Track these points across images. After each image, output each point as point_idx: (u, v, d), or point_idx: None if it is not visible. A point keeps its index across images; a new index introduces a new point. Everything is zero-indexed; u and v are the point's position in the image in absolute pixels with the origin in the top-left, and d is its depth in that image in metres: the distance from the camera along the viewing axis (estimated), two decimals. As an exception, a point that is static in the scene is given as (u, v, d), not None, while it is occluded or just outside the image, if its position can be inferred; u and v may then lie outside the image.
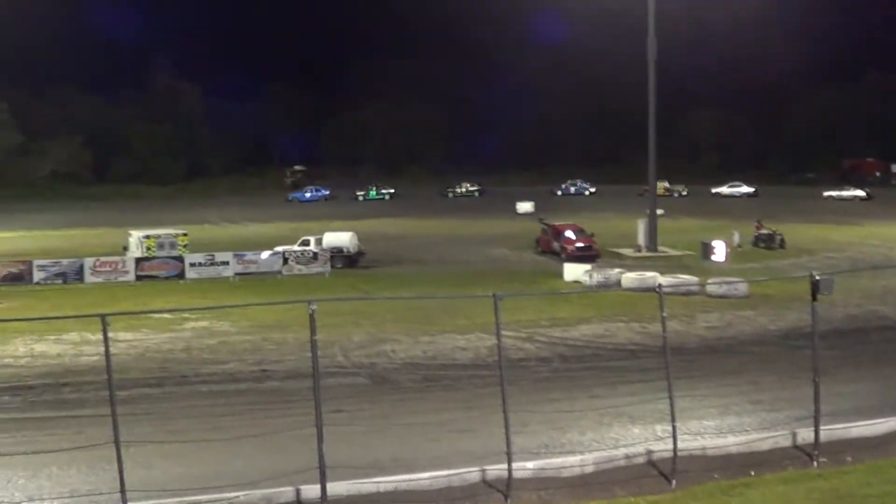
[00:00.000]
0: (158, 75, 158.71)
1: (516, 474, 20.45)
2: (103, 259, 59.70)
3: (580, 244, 65.92)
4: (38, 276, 57.84)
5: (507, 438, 20.09)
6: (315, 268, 60.45)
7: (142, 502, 18.86)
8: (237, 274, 59.15)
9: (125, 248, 63.93)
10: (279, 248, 62.39)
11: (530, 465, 21.46)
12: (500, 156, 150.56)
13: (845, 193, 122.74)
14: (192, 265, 59.34)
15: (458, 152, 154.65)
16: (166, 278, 58.55)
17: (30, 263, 58.74)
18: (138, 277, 58.45)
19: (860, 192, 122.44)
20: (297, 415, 25.74)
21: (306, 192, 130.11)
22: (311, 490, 19.60)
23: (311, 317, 19.08)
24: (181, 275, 58.81)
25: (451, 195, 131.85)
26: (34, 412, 29.06)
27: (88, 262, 58.84)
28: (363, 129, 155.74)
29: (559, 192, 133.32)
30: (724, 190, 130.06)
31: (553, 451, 23.22)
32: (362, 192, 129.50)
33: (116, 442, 18.43)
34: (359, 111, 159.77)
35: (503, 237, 79.58)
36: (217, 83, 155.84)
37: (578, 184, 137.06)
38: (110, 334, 19.01)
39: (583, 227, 69.82)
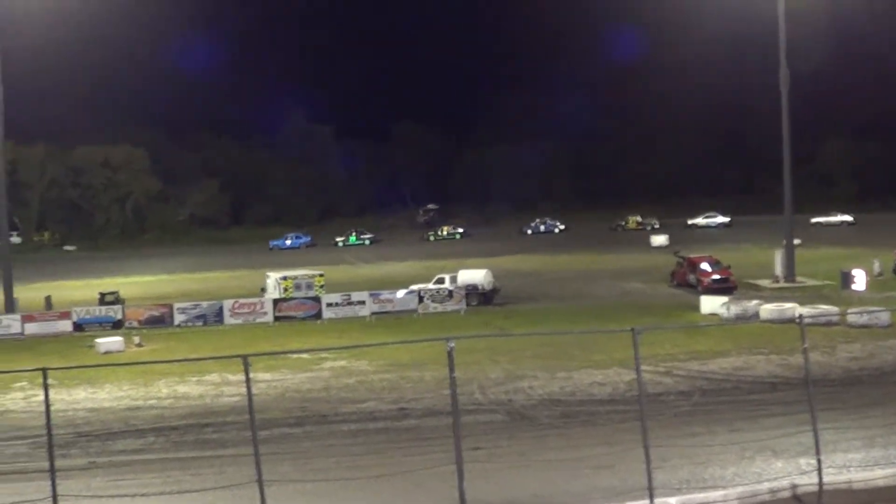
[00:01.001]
0: (292, 118, 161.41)
1: (659, 510, 20.11)
2: (242, 301, 60.73)
3: (716, 276, 64.89)
4: (178, 318, 59.09)
5: (649, 473, 19.77)
6: (450, 305, 60.58)
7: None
8: (373, 313, 59.54)
9: (263, 290, 64.96)
10: (414, 287, 62.67)
11: (673, 500, 21.06)
12: (631, 189, 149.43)
13: None
14: (329, 305, 59.95)
15: (588, 187, 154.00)
16: (303, 319, 59.24)
17: (170, 306, 60.09)
18: (276, 318, 59.27)
19: None
20: (436, 452, 25.76)
21: (286, 239, 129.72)
22: (453, 528, 19.54)
23: (450, 354, 19.02)
24: (318, 315, 59.44)
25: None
26: (178, 452, 29.56)
27: (227, 303, 59.94)
28: (493, 166, 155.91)
29: (529, 231, 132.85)
30: (700, 221, 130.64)
31: (695, 487, 22.78)
32: (342, 238, 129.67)
33: (259, 481, 18.60)
34: (489, 148, 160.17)
35: (637, 271, 78.77)
36: (349, 124, 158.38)
37: (548, 221, 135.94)
38: (253, 375, 19.24)
39: (718, 258, 68.71)
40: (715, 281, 64.17)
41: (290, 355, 43.82)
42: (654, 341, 41.89)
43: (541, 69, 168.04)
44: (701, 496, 21.58)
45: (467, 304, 61.04)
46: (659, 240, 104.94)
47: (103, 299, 63.68)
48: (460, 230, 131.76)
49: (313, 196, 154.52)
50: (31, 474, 27.13)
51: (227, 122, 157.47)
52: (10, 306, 63.08)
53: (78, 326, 58.49)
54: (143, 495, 23.76)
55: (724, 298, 55.90)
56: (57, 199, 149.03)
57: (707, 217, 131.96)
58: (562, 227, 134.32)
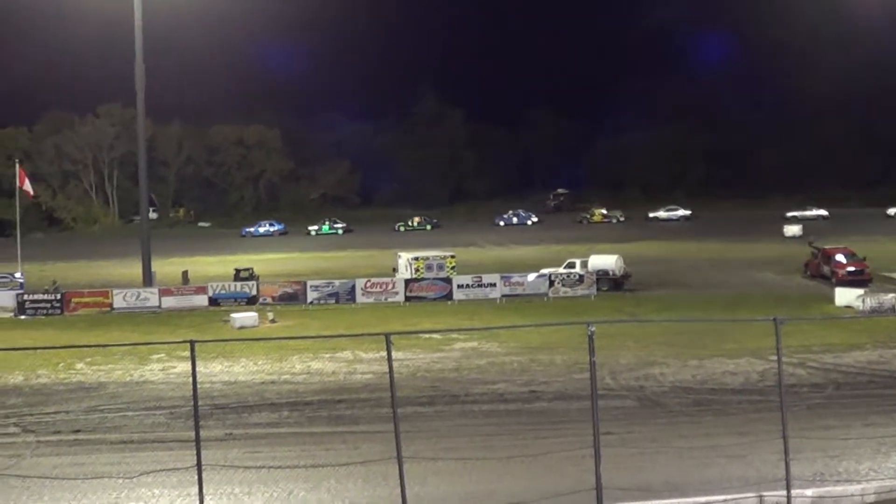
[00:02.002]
0: (423, 100, 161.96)
1: (795, 501, 19.85)
2: (374, 280, 61.36)
3: (851, 268, 63.54)
4: (311, 295, 59.96)
5: (787, 465, 19.55)
6: (581, 290, 60.40)
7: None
8: (503, 296, 59.66)
9: (395, 270, 65.56)
10: (545, 271, 62.61)
11: (809, 492, 20.80)
12: (764, 178, 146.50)
13: None
14: (460, 287, 60.23)
15: (721, 174, 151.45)
16: (434, 299, 59.62)
17: (304, 284, 61.00)
18: (407, 298, 59.76)
19: None
20: (567, 436, 25.86)
21: (260, 226, 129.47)
22: (586, 512, 19.56)
23: (590, 339, 18.97)
24: (449, 296, 59.77)
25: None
26: (312, 427, 30.08)
27: (360, 282, 60.61)
28: (625, 153, 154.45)
29: (501, 223, 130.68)
30: (661, 214, 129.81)
31: (829, 480, 22.47)
32: (315, 227, 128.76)
33: (399, 458, 18.80)
34: (621, 136, 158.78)
35: (769, 260, 77.48)
36: (481, 107, 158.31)
37: (520, 213, 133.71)
38: (382, 353, 19.47)
39: (854, 250, 67.25)
40: (850, 273, 62.87)
41: (421, 335, 44.12)
42: (787, 332, 40.74)
43: (674, 54, 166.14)
44: (839, 489, 21.26)
45: (598, 290, 60.80)
46: (792, 230, 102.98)
47: (238, 275, 64.99)
48: (433, 221, 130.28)
49: (443, 178, 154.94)
50: (170, 443, 27.94)
51: (359, 103, 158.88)
52: (149, 280, 64.65)
53: (213, 301, 59.76)
54: (278, 467, 24.23)
55: (860, 291, 54.76)
56: (192, 177, 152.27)
57: (514, 214, 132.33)
58: (535, 219, 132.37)
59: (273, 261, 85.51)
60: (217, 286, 61.18)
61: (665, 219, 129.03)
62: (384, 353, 19.02)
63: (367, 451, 24.94)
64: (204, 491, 19.23)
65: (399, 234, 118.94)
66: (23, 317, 58.90)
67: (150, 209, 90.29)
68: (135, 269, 68.70)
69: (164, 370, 39.56)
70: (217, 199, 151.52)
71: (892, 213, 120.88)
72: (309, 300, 59.83)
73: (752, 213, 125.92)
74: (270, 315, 53.95)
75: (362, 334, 44.76)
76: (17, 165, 72.85)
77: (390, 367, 19.12)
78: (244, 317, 52.74)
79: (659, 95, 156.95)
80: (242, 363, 40.28)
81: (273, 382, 36.99)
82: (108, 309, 59.34)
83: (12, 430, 30.72)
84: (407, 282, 61.13)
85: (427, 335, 44.30)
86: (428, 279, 61.69)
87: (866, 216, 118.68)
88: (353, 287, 60.28)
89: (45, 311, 59.25)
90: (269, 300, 59.61)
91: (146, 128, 72.28)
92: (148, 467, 24.49)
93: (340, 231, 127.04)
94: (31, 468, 25.10)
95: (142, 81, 65.30)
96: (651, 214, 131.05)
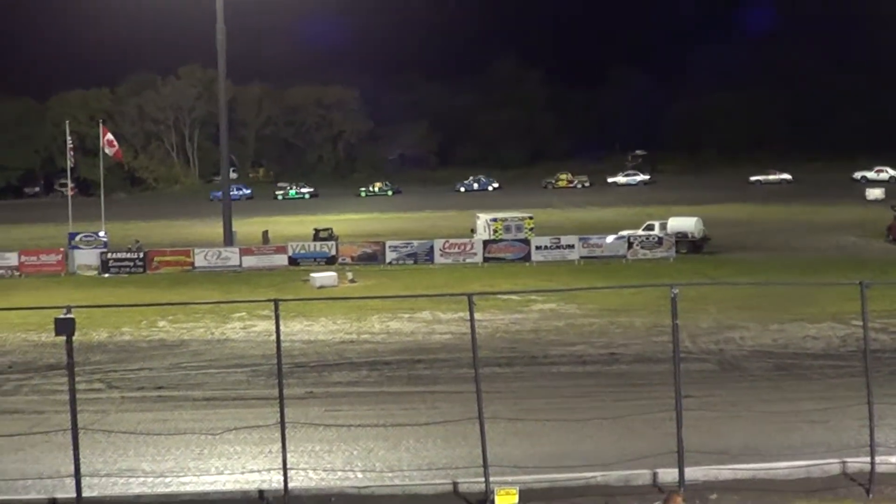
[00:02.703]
0: (501, 61, 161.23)
1: (879, 468, 19.61)
2: (452, 241, 61.46)
3: (936, 232, 62.47)
4: (390, 256, 60.24)
5: (871, 431, 19.32)
6: (659, 252, 60.02)
7: (499, 477, 19.25)
8: (582, 257, 59.46)
9: (473, 231, 65.60)
10: (624, 233, 62.28)
11: (893, 459, 20.54)
12: (846, 141, 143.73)
13: None
14: (538, 248, 60.10)
15: (803, 136, 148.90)
16: (512, 261, 59.57)
17: (383, 244, 61.33)
18: (485, 259, 59.78)
19: None
20: (646, 398, 25.76)
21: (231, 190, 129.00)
22: (668, 474, 19.49)
23: (673, 301, 18.90)
24: (527, 257, 59.67)
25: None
26: (391, 387, 30.26)
27: (438, 243, 60.73)
28: (705, 114, 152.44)
29: (461, 189, 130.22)
30: (621, 179, 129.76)
31: (915, 446, 22.17)
32: (281, 192, 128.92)
33: (480, 418, 18.89)
34: (701, 96, 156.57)
35: (851, 224, 76.35)
36: (559, 68, 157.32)
37: (482, 179, 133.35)
38: (463, 314, 19.50)
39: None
40: (934, 236, 61.83)
41: (499, 296, 44.13)
42: (870, 296, 40.51)
43: (757, 13, 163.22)
44: (924, 456, 20.98)
45: (676, 252, 60.37)
46: (875, 193, 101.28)
47: (317, 235, 65.43)
48: (392, 188, 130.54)
49: (521, 139, 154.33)
50: (251, 401, 28.29)
51: (437, 63, 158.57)
52: (229, 240, 65.32)
53: (293, 261, 60.27)
54: (358, 426, 24.42)
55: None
56: (272, 137, 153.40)
57: (475, 180, 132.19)
58: (496, 184, 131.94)
59: (352, 221, 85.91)
60: (296, 246, 61.68)
61: (624, 184, 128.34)
62: (462, 314, 19.11)
63: (446, 411, 25.01)
64: (286, 447, 19.47)
65: (478, 195, 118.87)
66: (106, 275, 59.91)
67: (231, 169, 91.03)
68: (215, 228, 69.43)
69: (245, 328, 40.04)
70: (296, 160, 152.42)
71: None
72: (387, 260, 60.11)
73: (832, 177, 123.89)
74: (350, 275, 54.28)
75: (441, 294, 44.87)
76: (101, 126, 73.76)
77: (472, 327, 19.15)
78: (324, 276, 53.13)
79: (739, 55, 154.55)
80: (322, 322, 40.59)
81: (352, 342, 37.25)
82: (190, 268, 60.14)
83: (97, 386, 31.25)
84: (485, 243, 61.15)
85: (506, 296, 44.34)
86: (506, 240, 61.68)
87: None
88: (432, 248, 60.44)
89: (128, 270, 60.21)
90: (348, 260, 59.98)
91: (227, 88, 72.81)
92: (230, 424, 24.81)
93: (307, 196, 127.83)
94: (115, 424, 25.53)
95: (223, 42, 65.73)
96: (610, 179, 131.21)
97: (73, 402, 19.21)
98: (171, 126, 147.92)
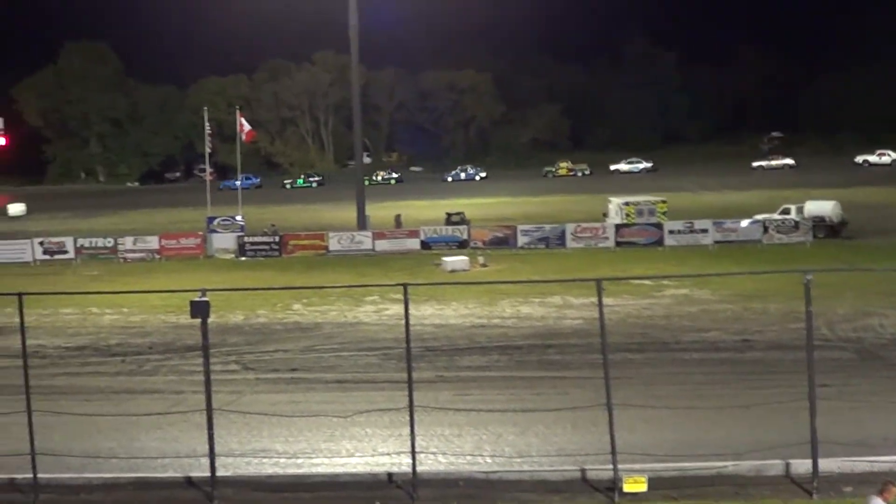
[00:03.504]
0: (634, 43, 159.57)
1: None
2: (584, 225, 61.13)
3: None
4: (521, 240, 60.16)
5: None
6: (796, 237, 58.78)
7: (628, 465, 19.13)
8: (716, 242, 58.61)
9: (605, 215, 65.15)
10: (759, 217, 61.16)
11: None
12: None
13: None
14: (671, 232, 59.42)
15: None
16: (644, 245, 59.00)
17: (514, 228, 61.23)
18: (617, 244, 59.30)
19: None
20: (781, 387, 25.33)
21: (237, 180, 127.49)
22: (801, 465, 19.18)
23: (807, 287, 18.53)
24: (660, 242, 59.05)
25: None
26: (522, 371, 30.26)
27: (570, 227, 60.44)
28: (844, 94, 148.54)
29: (449, 178, 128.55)
30: (623, 166, 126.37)
31: None
32: (290, 181, 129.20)
33: (609, 404, 18.80)
34: (840, 75, 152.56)
35: None
36: (693, 49, 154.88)
37: (468, 170, 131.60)
38: (594, 299, 19.39)
39: None
40: None
41: (631, 281, 43.75)
42: None
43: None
44: None
45: (814, 237, 59.07)
46: None
47: (450, 219, 65.63)
48: (395, 175, 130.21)
49: (655, 121, 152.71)
50: (382, 384, 28.53)
51: (570, 46, 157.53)
52: (363, 224, 65.93)
53: (425, 245, 60.56)
54: (488, 411, 24.48)
55: None
56: (405, 122, 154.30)
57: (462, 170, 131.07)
58: (483, 174, 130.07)
59: (483, 205, 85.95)
60: (429, 230, 61.99)
61: (626, 172, 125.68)
62: (594, 299, 18.99)
63: (576, 397, 24.93)
64: (415, 431, 19.62)
65: (611, 179, 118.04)
66: (243, 258, 61.04)
67: (364, 154, 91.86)
68: (349, 212, 70.12)
69: (378, 312, 40.39)
70: (429, 144, 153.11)
71: None
72: (519, 244, 60.03)
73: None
74: (481, 259, 54.37)
75: (572, 279, 44.67)
76: (238, 112, 75.05)
77: (601, 313, 19.05)
78: (456, 260, 53.31)
79: (879, 32, 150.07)
80: (453, 306, 40.75)
81: (483, 326, 37.33)
82: (324, 251, 60.89)
83: (233, 367, 31.89)
84: (617, 227, 60.68)
85: (637, 281, 43.90)
86: (639, 224, 61.11)
87: None
88: (564, 232, 60.18)
89: (264, 253, 61.23)
90: (479, 244, 60.07)
91: (360, 74, 73.44)
92: (361, 407, 25.09)
93: (314, 185, 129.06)
94: (250, 405, 26.01)
95: (355, 28, 66.29)
96: (612, 167, 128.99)
97: (207, 383, 19.64)
98: (306, 112, 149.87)
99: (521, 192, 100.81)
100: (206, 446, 19.75)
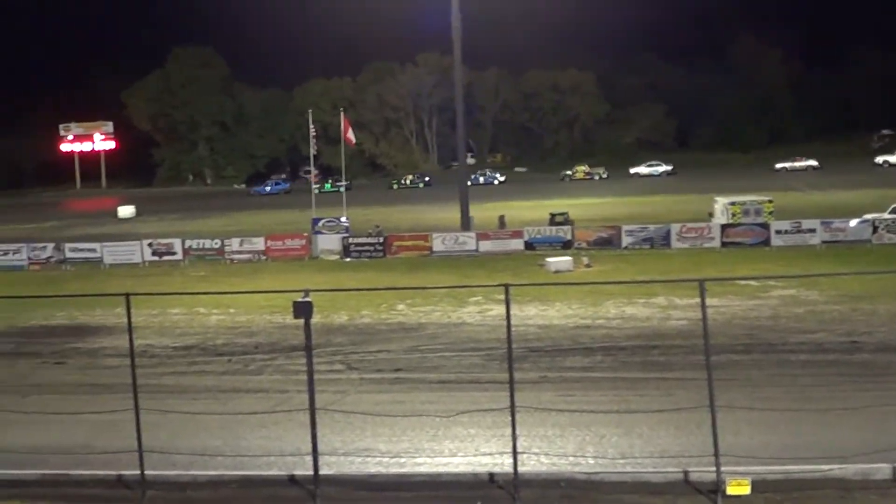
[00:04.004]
0: (740, 41, 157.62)
1: None
2: (689, 225, 60.55)
3: None
4: (626, 240, 59.80)
5: None
6: (906, 237, 57.60)
7: (731, 467, 18.95)
8: (824, 242, 57.63)
9: (710, 215, 64.48)
10: (868, 216, 59.99)
11: None
12: None
13: None
14: (778, 232, 58.55)
15: None
16: (751, 245, 58.25)
17: (618, 228, 60.89)
18: (723, 244, 58.64)
19: None
20: (890, 389, 24.97)
21: (266, 185, 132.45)
22: (912, 468, 18.82)
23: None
24: (766, 242, 58.23)
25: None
26: (625, 372, 30.06)
27: (675, 227, 59.92)
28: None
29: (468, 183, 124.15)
30: (643, 170, 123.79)
31: None
32: (317, 185, 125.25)
33: (712, 406, 18.62)
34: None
35: None
36: (799, 47, 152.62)
37: (487, 173, 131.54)
38: (697, 300, 19.23)
39: None
40: None
41: (737, 282, 43.24)
42: None
43: None
44: None
45: (927, 236, 57.79)
46: None
47: (553, 220, 65.46)
48: (425, 179, 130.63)
49: (760, 120, 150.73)
50: (485, 384, 28.57)
51: (673, 44, 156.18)
52: (467, 224, 66.15)
53: (529, 245, 60.50)
54: (591, 412, 24.38)
55: None
56: (508, 122, 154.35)
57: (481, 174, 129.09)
58: (501, 178, 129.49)
59: (588, 205, 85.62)
60: (532, 230, 61.92)
61: (646, 175, 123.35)
62: (698, 300, 18.82)
63: (680, 399, 24.71)
64: (517, 431, 19.64)
65: (716, 178, 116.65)
66: (348, 259, 61.61)
67: (468, 155, 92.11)
68: (453, 213, 70.36)
69: (481, 312, 40.45)
70: (532, 145, 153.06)
71: None
72: (623, 245, 59.67)
73: None
74: (585, 259, 54.19)
75: (676, 280, 44.32)
76: (342, 114, 75.75)
77: (704, 314, 18.88)
78: (559, 261, 53.18)
79: None
80: (557, 307, 40.67)
81: (587, 327, 37.18)
82: (428, 252, 61.17)
83: (338, 367, 32.19)
84: (723, 227, 59.99)
85: (743, 282, 43.36)
86: (745, 224, 60.34)
87: None
88: (668, 232, 59.68)
89: (368, 254, 61.74)
90: (583, 244, 59.86)
91: (463, 75, 73.62)
92: (464, 407, 25.15)
93: (342, 189, 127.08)
94: (354, 404, 26.24)
95: (458, 29, 66.51)
96: (632, 170, 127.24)
97: (310, 382, 19.86)
98: (410, 113, 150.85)
99: (627, 192, 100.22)
100: (310, 445, 19.98)
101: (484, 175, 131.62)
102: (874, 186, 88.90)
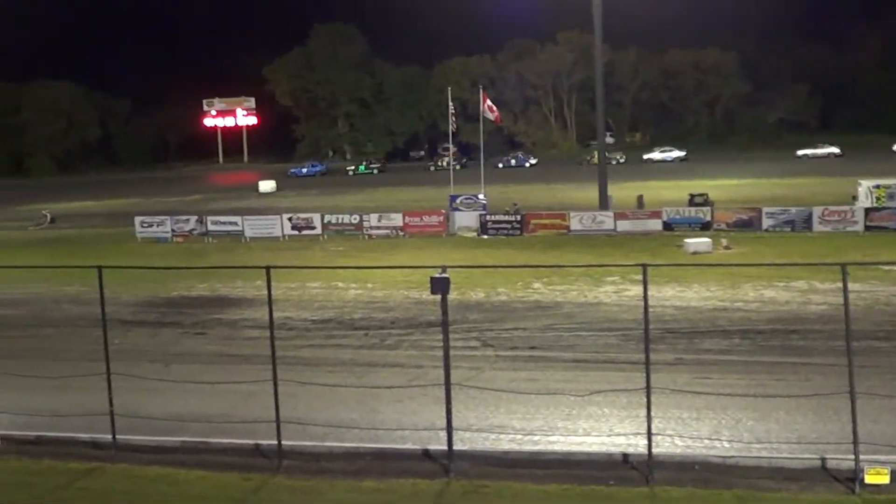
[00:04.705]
0: (884, 21, 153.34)
1: None
2: (832, 208, 59.25)
3: None
4: (766, 222, 58.75)
5: None
6: None
7: (870, 455, 18.63)
8: (969, 226, 55.97)
9: (854, 198, 63.03)
10: None
11: None
12: None
13: None
14: (921, 216, 57.04)
15: None
16: (896, 230, 56.89)
17: (759, 210, 59.86)
18: (867, 228, 57.25)
19: None
20: None
21: (303, 167, 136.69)
22: None
23: None
24: (912, 226, 56.80)
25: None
26: (763, 356, 29.61)
27: (817, 210, 58.68)
28: None
29: (500, 165, 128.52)
30: (656, 155, 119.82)
31: None
32: (352, 168, 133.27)
33: (851, 392, 18.32)
34: None
35: None
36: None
37: (519, 156, 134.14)
38: (838, 284, 18.94)
39: None
40: None
41: (881, 266, 42.25)
42: None
43: None
44: None
45: None
46: None
47: (692, 200, 64.74)
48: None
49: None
50: (621, 364, 28.43)
51: (816, 24, 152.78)
52: (605, 204, 65.74)
53: (667, 226, 59.92)
54: (727, 395, 24.14)
55: None
56: (648, 102, 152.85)
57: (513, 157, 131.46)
58: (533, 161, 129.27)
59: (728, 187, 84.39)
60: (671, 211, 61.28)
61: (660, 160, 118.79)
62: (839, 284, 18.51)
63: (819, 384, 24.38)
64: (652, 413, 19.59)
65: (863, 161, 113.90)
66: (485, 236, 61.83)
67: (607, 134, 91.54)
68: (590, 192, 70.04)
69: (618, 292, 40.26)
70: (672, 124, 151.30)
71: None
72: (764, 227, 58.66)
73: None
74: (724, 241, 53.45)
75: (817, 263, 43.46)
76: (482, 92, 75.88)
77: (846, 299, 18.57)
78: (698, 242, 52.61)
79: None
80: (695, 288, 40.22)
81: (725, 309, 36.70)
82: (565, 231, 61.02)
83: (473, 343, 32.38)
84: (867, 210, 58.57)
85: (887, 267, 42.35)
86: (890, 208, 58.81)
87: None
88: (810, 215, 58.43)
89: (505, 232, 61.86)
90: (723, 226, 59.07)
91: (603, 53, 73.10)
92: (599, 387, 25.15)
93: (375, 171, 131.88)
94: (488, 381, 26.39)
95: (599, 7, 66.02)
96: (646, 156, 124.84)
97: (446, 357, 20.07)
98: (549, 91, 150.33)
99: (768, 173, 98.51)
100: (444, 420, 20.21)
101: (516, 158, 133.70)
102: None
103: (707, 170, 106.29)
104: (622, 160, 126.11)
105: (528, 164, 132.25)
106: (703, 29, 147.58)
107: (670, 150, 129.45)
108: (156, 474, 21.09)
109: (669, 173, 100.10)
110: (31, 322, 40.55)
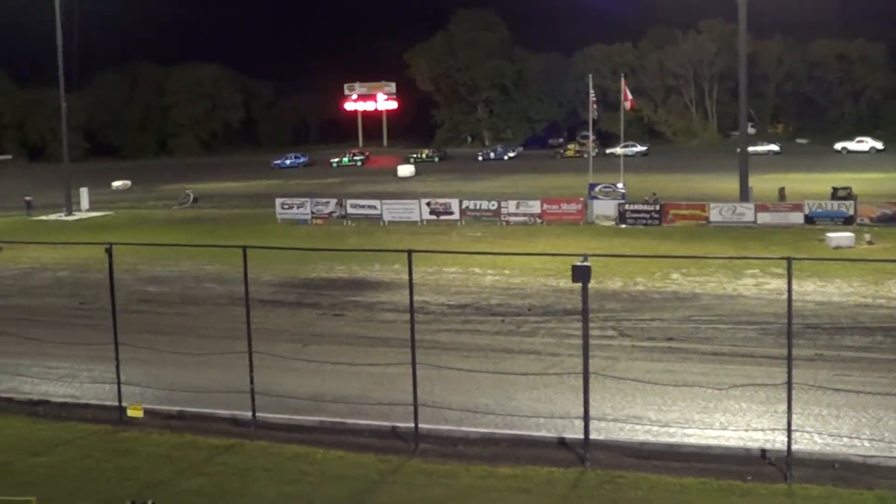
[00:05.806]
0: None
1: None
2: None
3: None
4: (912, 217, 57.39)
5: None
6: None
7: None
8: None
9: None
10: None
11: None
12: None
13: None
14: None
15: None
16: None
17: (904, 205, 58.48)
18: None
19: None
20: None
21: (286, 159, 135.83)
22: None
23: None
24: None
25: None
26: (907, 354, 29.08)
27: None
28: None
29: (480, 158, 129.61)
30: (618, 150, 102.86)
31: None
32: (336, 160, 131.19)
33: None
34: None
35: None
36: None
37: (498, 149, 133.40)
38: None
39: None
40: None
41: None
42: None
43: None
44: None
45: None
46: None
47: (836, 194, 63.41)
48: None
49: None
50: (759, 359, 28.20)
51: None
52: (745, 195, 64.77)
53: (808, 219, 58.82)
54: (869, 393, 23.76)
55: None
56: (791, 92, 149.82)
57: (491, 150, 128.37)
58: (512, 154, 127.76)
59: (873, 180, 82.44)
60: (813, 204, 60.10)
61: (620, 155, 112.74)
62: None
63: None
64: (791, 409, 19.38)
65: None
66: (623, 225, 61.50)
67: (749, 124, 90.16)
68: (730, 183, 69.12)
69: (758, 285, 39.75)
70: (815, 116, 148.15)
71: None
72: (907, 221, 57.27)
73: None
74: (867, 236, 52.28)
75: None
76: (622, 80, 75.35)
77: None
78: (840, 236, 51.61)
79: None
80: (836, 284, 39.49)
81: (867, 305, 35.99)
82: (704, 222, 60.34)
83: (609, 333, 32.35)
84: None
85: None
86: None
87: None
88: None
89: (643, 221, 61.43)
90: (866, 221, 57.74)
91: (747, 43, 71.91)
92: (737, 381, 24.96)
93: (359, 163, 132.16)
94: (625, 371, 26.38)
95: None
96: (608, 150, 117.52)
97: (586, 346, 20.13)
98: (691, 80, 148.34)
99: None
100: (581, 409, 20.27)
101: (494, 151, 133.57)
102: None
103: (852, 162, 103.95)
104: (595, 154, 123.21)
105: (506, 158, 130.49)
106: (850, 19, 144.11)
107: (633, 145, 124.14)
108: (294, 452, 21.56)
109: (812, 166, 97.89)
110: (175, 299, 41.72)
